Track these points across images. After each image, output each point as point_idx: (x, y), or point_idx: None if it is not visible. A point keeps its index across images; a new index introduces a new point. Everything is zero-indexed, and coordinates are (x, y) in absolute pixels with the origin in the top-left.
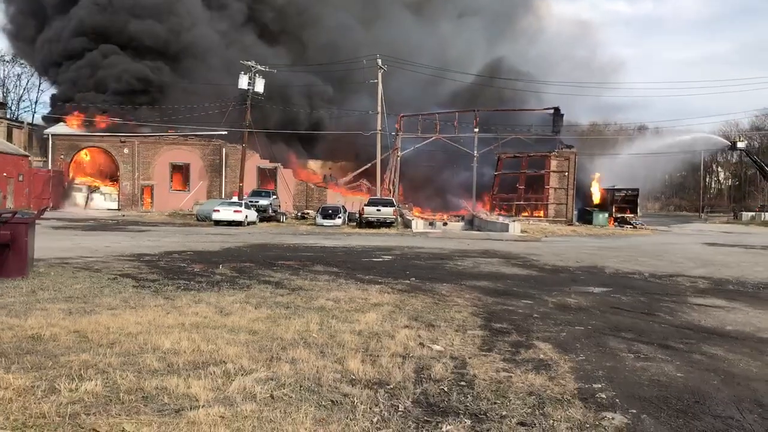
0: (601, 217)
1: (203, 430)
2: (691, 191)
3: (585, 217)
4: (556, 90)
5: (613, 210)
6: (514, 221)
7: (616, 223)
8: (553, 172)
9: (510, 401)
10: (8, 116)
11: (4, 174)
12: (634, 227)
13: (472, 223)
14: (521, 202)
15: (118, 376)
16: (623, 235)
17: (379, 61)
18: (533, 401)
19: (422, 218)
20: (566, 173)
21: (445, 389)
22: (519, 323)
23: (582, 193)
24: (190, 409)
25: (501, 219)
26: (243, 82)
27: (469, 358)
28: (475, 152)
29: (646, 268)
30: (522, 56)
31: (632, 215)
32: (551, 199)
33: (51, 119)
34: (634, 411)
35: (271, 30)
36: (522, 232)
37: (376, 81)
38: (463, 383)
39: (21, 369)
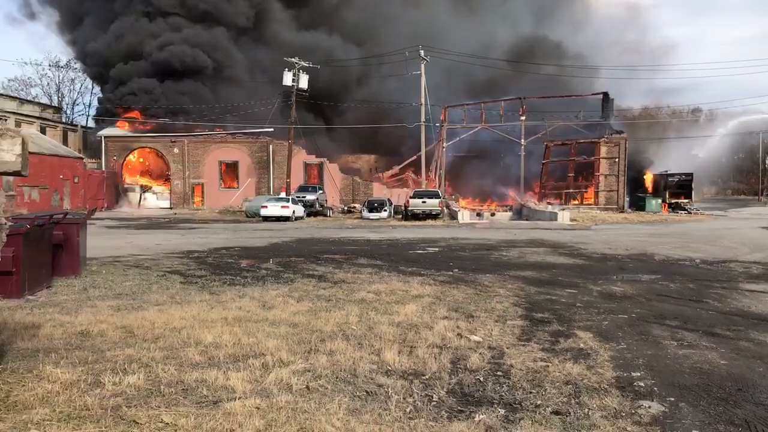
0: (653, 203)
1: (238, 421)
2: (750, 174)
3: (637, 203)
4: (606, 74)
5: (667, 195)
6: (563, 210)
7: (669, 209)
8: (603, 158)
9: (546, 390)
10: (63, 120)
11: (61, 176)
12: (689, 213)
13: (520, 212)
14: (571, 190)
15: (160, 369)
16: (676, 221)
17: (422, 52)
18: (569, 390)
19: (469, 209)
20: (617, 159)
21: (481, 379)
22: (561, 313)
23: (634, 180)
24: (228, 400)
25: (550, 208)
26: (287, 78)
27: (507, 348)
28: (522, 140)
29: (698, 254)
30: (570, 42)
31: (686, 200)
32: (601, 186)
33: (103, 121)
34: (672, 399)
35: (311, 20)
36: (571, 220)
37: (419, 72)
38: (499, 373)
39: (69, 364)
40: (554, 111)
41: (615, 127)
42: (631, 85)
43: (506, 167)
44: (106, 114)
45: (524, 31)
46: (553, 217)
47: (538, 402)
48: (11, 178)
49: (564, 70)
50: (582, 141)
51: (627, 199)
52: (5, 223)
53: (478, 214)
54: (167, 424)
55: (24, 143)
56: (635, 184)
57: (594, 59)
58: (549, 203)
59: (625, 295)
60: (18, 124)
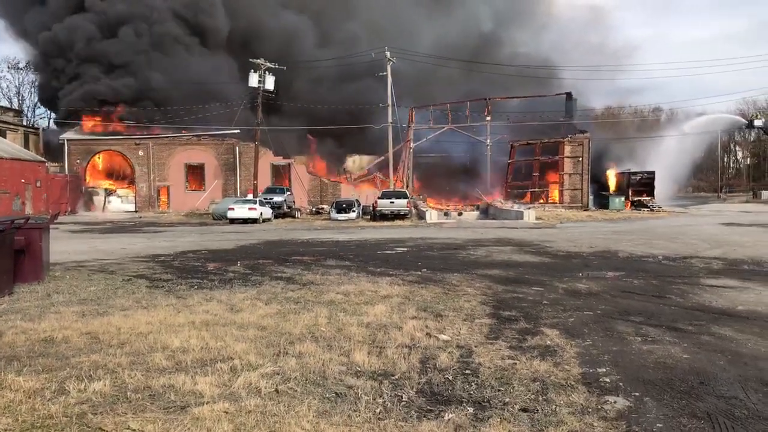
0: (617, 201)
1: (207, 426)
2: (709, 172)
3: (601, 201)
4: (570, 75)
5: (630, 193)
6: (528, 209)
7: (632, 207)
8: (567, 157)
9: (514, 388)
10: (24, 123)
11: (22, 180)
12: (651, 210)
13: (487, 212)
14: (536, 189)
15: (126, 375)
16: (639, 219)
17: (388, 53)
18: (537, 387)
19: (436, 209)
20: (580, 158)
21: (450, 378)
22: (528, 310)
23: (597, 178)
24: (196, 405)
25: (516, 207)
26: (253, 80)
27: (476, 346)
28: (488, 141)
29: (660, 251)
30: (533, 43)
31: (649, 198)
32: (566, 185)
33: (65, 124)
34: (637, 394)
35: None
36: (537, 219)
37: (385, 74)
38: (468, 372)
39: (32, 371)
40: (519, 111)
41: (579, 126)
42: (594, 85)
43: (472, 167)
44: (66, 115)
45: (487, 32)
46: (519, 216)
47: (507, 400)
48: None
49: (527, 71)
50: (546, 141)
51: (591, 197)
52: None
53: (446, 214)
54: (134, 430)
55: None
56: (599, 182)
57: (557, 60)
58: (515, 202)
59: (590, 292)
60: None
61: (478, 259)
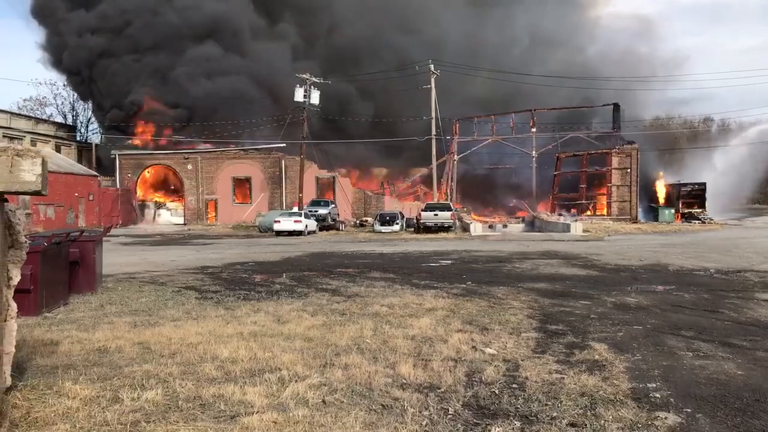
0: (666, 213)
1: None
2: (765, 183)
3: (650, 214)
4: (617, 85)
5: (680, 205)
6: (575, 221)
7: (683, 219)
8: (615, 169)
9: (561, 402)
10: (77, 138)
11: (76, 194)
12: (702, 222)
13: (532, 224)
14: (583, 201)
15: (177, 384)
16: (690, 231)
17: (432, 66)
18: (585, 402)
19: (481, 221)
20: (628, 170)
21: (496, 392)
22: (575, 324)
23: (646, 190)
24: (245, 415)
25: (562, 219)
26: (299, 94)
27: (522, 360)
28: (534, 152)
29: (712, 264)
30: (580, 54)
31: (700, 210)
32: (614, 197)
33: (117, 139)
34: (689, 410)
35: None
36: (584, 231)
37: (429, 86)
38: (514, 385)
39: (88, 380)
40: (566, 123)
41: (626, 137)
42: (642, 96)
43: (518, 179)
44: (116, 130)
45: (532, 44)
46: (566, 228)
47: (554, 414)
48: (27, 196)
49: (573, 82)
50: (593, 152)
51: (640, 209)
52: (25, 241)
53: (491, 226)
54: None
55: (44, 163)
56: (648, 194)
57: (604, 71)
58: (561, 215)
59: (639, 306)
60: (33, 143)
61: (524, 272)
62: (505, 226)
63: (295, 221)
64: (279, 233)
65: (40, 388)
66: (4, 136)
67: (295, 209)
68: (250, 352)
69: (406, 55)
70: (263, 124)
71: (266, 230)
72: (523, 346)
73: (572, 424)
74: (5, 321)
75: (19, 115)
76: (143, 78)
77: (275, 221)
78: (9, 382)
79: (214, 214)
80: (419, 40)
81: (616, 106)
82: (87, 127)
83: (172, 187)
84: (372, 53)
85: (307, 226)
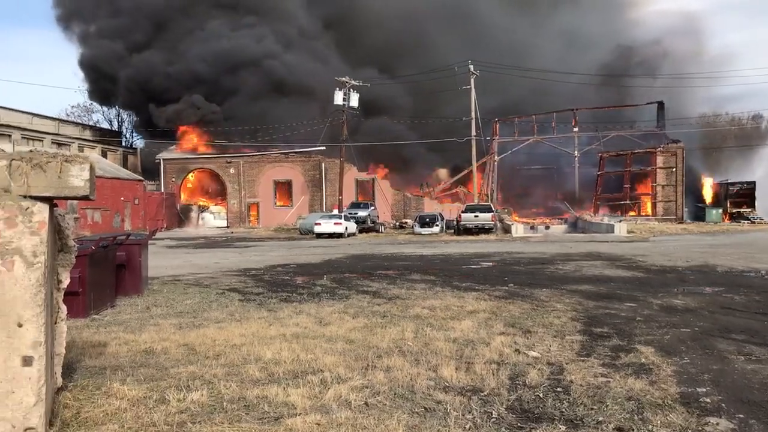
0: (714, 213)
1: None
2: None
3: (696, 214)
4: (662, 83)
5: (728, 205)
6: (619, 221)
7: (731, 219)
8: (660, 168)
9: (607, 406)
10: (123, 144)
11: (122, 198)
12: (752, 222)
13: (575, 225)
14: (627, 202)
15: (222, 386)
16: (739, 231)
17: (471, 67)
18: (632, 406)
19: (522, 223)
20: (674, 169)
21: (540, 395)
22: (621, 327)
23: (692, 189)
24: (288, 416)
25: (606, 220)
26: (338, 97)
27: (567, 363)
28: (576, 152)
29: (764, 265)
30: (623, 52)
31: (749, 210)
32: (659, 197)
33: (161, 145)
34: (742, 416)
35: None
36: (628, 232)
37: (469, 87)
38: (559, 389)
39: (135, 381)
40: (608, 122)
41: (671, 136)
42: (687, 93)
43: (560, 179)
44: (161, 135)
45: (574, 42)
46: (610, 229)
47: (600, 418)
48: (75, 201)
49: (615, 80)
50: (638, 151)
51: (685, 209)
52: (74, 245)
53: (532, 228)
54: None
55: (92, 168)
56: (694, 194)
57: (648, 69)
58: (605, 215)
59: (687, 309)
60: (81, 149)
61: (567, 274)
62: (547, 227)
63: (335, 223)
64: (319, 235)
65: (90, 388)
66: (53, 143)
67: (335, 211)
68: (292, 354)
69: (444, 56)
70: (303, 127)
71: (307, 232)
72: (567, 349)
73: (619, 429)
74: (56, 323)
75: (67, 121)
76: (187, 83)
77: (316, 224)
78: (60, 382)
79: (255, 216)
80: (458, 41)
81: (661, 104)
82: (132, 132)
83: (210, 191)
84: (411, 54)
85: (347, 228)
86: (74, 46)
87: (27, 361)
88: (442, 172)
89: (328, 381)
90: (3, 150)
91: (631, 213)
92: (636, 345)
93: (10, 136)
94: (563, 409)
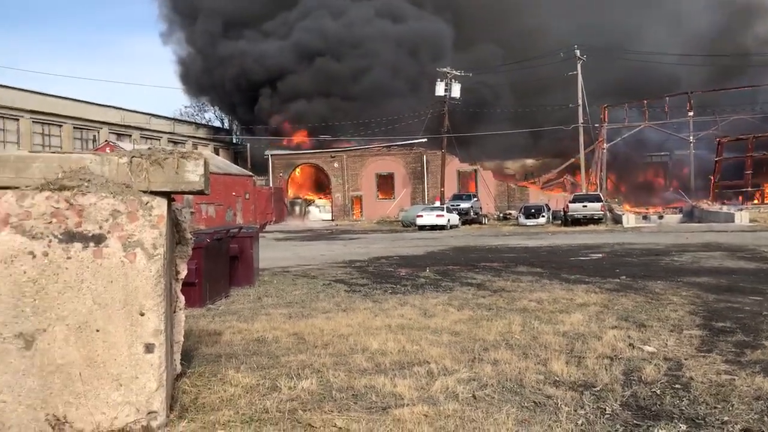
0: None
1: (408, 428)
2: None
3: None
4: None
5: None
6: (740, 210)
7: None
8: None
9: (733, 406)
10: (233, 141)
11: (233, 193)
12: None
13: (691, 214)
14: (749, 189)
15: (330, 375)
16: None
17: (578, 52)
18: (761, 406)
19: (634, 212)
20: None
21: (658, 392)
22: (745, 322)
23: None
24: (396, 407)
25: (725, 208)
26: (440, 88)
27: (685, 359)
28: (691, 138)
29: None
30: (739, 32)
31: None
32: None
33: (269, 141)
34: None
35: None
36: (751, 221)
37: (575, 73)
38: (677, 386)
39: (248, 368)
40: (726, 105)
41: None
42: None
43: (674, 167)
44: (268, 132)
45: (687, 21)
46: (729, 218)
47: (725, 418)
48: (191, 196)
49: (734, 59)
50: (760, 135)
51: None
52: (190, 238)
53: (645, 218)
54: (340, 428)
55: (206, 164)
56: None
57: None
58: (724, 203)
59: None
60: (194, 147)
61: (683, 266)
62: (660, 217)
63: (438, 216)
64: (422, 228)
65: (206, 375)
66: (168, 141)
67: (437, 203)
68: (398, 345)
69: (549, 42)
70: (405, 120)
71: (409, 225)
72: (685, 344)
73: (747, 430)
74: (174, 312)
75: (182, 121)
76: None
77: (418, 216)
78: (179, 369)
79: (359, 209)
80: (562, 25)
81: None
82: (241, 130)
83: (320, 185)
84: (513, 42)
85: (449, 220)
86: (179, 45)
87: (149, 348)
88: (548, 162)
89: (435, 372)
90: (123, 148)
91: (753, 201)
92: (763, 341)
93: (130, 135)
94: (683, 407)
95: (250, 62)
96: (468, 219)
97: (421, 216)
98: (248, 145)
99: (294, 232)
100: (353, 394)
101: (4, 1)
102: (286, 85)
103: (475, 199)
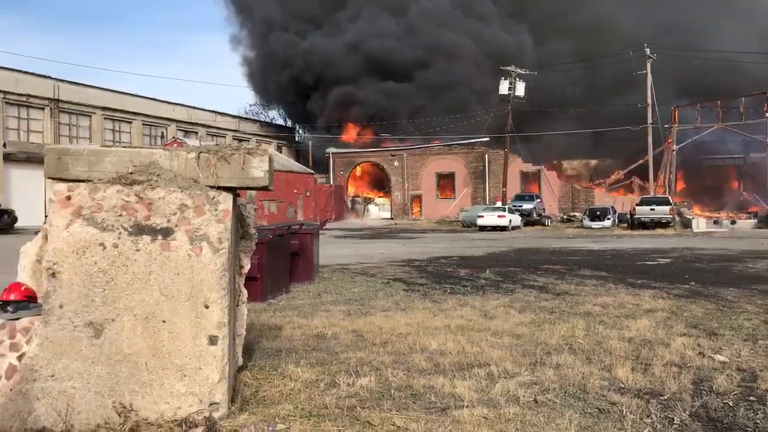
0: None
1: (467, 430)
2: None
3: None
4: None
5: None
6: None
7: None
8: None
9: None
10: (296, 139)
11: (294, 190)
12: None
13: (767, 220)
14: None
15: (389, 373)
16: None
17: (647, 51)
18: None
19: (704, 217)
20: None
21: (730, 404)
22: None
23: None
24: (455, 408)
25: None
26: (503, 87)
27: (761, 371)
28: None
29: None
30: None
31: None
32: None
33: (330, 139)
34: None
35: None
36: None
37: (644, 72)
38: (752, 398)
39: (308, 364)
40: None
41: None
42: None
43: (748, 170)
44: (329, 131)
45: (765, 20)
46: None
47: None
48: (254, 192)
49: None
50: None
51: None
52: (254, 233)
53: (716, 222)
54: (399, 427)
55: (270, 160)
56: None
57: None
58: None
59: None
60: (258, 144)
61: (758, 273)
62: (733, 222)
63: (499, 216)
64: (482, 228)
65: (267, 369)
66: (233, 139)
67: (499, 204)
68: (458, 346)
69: (616, 39)
70: (467, 119)
71: (469, 225)
72: (761, 355)
73: None
74: (237, 306)
75: (246, 119)
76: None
77: (479, 216)
78: (241, 362)
79: (418, 209)
80: (630, 23)
81: None
82: (303, 128)
83: (380, 184)
84: (580, 39)
85: (511, 221)
86: (244, 45)
87: (212, 340)
88: (615, 163)
89: (495, 375)
90: (190, 145)
91: None
92: None
93: (196, 132)
94: (757, 421)
95: (314, 60)
96: (530, 220)
97: (482, 216)
98: (310, 143)
99: (353, 230)
100: (412, 394)
101: (82, 2)
102: (344, 87)
103: (538, 200)
